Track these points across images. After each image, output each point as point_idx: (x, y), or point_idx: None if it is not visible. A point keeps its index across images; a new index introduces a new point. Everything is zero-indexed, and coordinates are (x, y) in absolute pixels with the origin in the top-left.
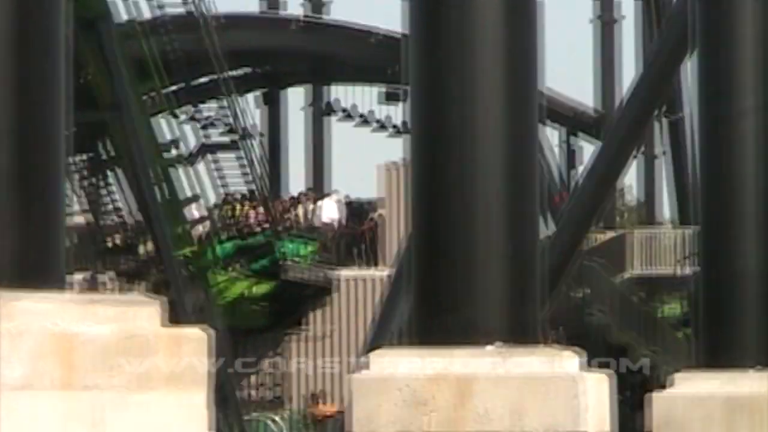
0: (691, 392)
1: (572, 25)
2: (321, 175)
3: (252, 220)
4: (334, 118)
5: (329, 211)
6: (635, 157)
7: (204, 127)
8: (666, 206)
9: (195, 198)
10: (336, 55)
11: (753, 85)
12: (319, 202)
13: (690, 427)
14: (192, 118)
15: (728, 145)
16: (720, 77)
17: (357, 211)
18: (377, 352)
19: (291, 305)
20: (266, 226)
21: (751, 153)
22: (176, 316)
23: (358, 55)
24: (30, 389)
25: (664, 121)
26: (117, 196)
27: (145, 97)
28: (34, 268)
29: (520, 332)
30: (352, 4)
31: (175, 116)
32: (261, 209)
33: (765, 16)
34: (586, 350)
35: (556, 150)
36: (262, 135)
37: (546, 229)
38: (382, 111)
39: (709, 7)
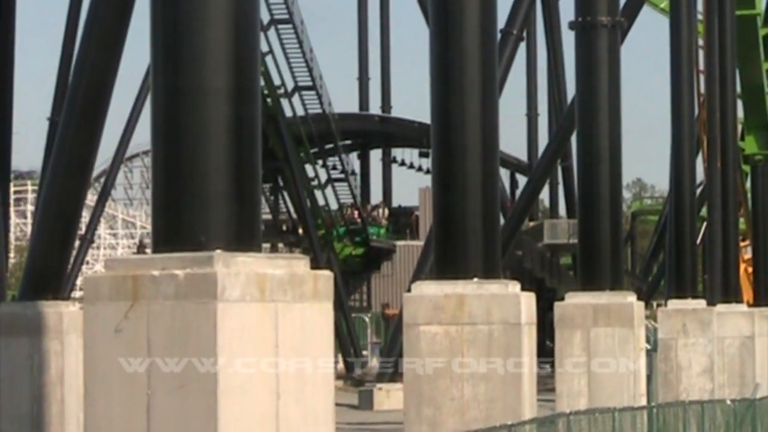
0: (575, 302)
1: (512, 118)
2: (389, 194)
3: (355, 217)
4: (395, 165)
5: (421, 214)
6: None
7: (329, 170)
8: (562, 208)
9: (324, 206)
10: (395, 134)
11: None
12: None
13: (574, 320)
14: (323, 165)
15: (593, 177)
16: (592, 148)
17: (405, 211)
18: (417, 282)
19: (374, 259)
20: (360, 220)
21: (605, 181)
22: (315, 266)
23: (406, 134)
24: (242, 302)
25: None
26: (285, 204)
27: (301, 154)
28: (245, 240)
29: (490, 272)
30: (406, 107)
31: (315, 164)
32: (358, 212)
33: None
34: (521, 282)
35: (507, 181)
36: (355, 174)
37: (503, 219)
38: (422, 162)
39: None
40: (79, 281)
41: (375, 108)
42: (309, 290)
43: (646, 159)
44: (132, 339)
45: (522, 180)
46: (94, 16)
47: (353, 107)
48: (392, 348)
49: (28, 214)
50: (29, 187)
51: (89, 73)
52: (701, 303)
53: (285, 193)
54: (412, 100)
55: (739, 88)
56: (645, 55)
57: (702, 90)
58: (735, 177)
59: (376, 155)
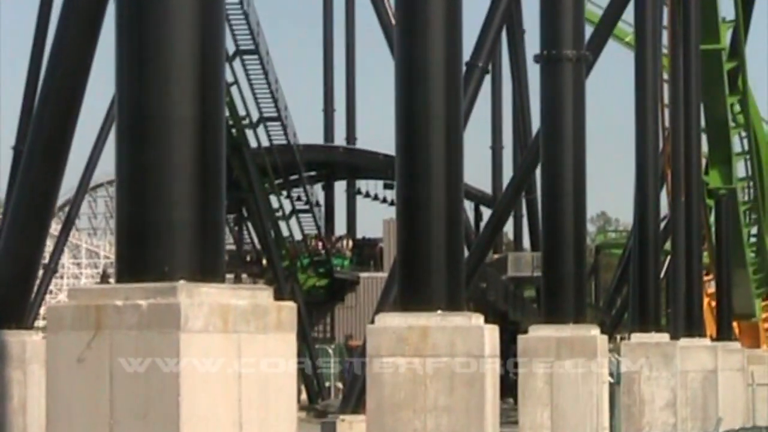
0: (538, 335)
1: (477, 150)
2: (354, 226)
3: (319, 248)
4: (359, 197)
5: (385, 245)
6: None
7: (293, 201)
8: (526, 241)
9: (288, 237)
10: (360, 165)
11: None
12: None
13: (537, 353)
14: (287, 196)
15: (557, 211)
16: (557, 182)
17: (370, 243)
18: (381, 314)
19: (338, 290)
20: (324, 251)
21: (569, 215)
22: (279, 296)
23: (371, 165)
24: (205, 332)
25: (525, 199)
26: (249, 235)
27: (265, 185)
28: (209, 270)
29: (454, 304)
30: (371, 139)
31: (279, 194)
32: (322, 243)
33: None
34: (485, 314)
35: (472, 214)
36: (319, 205)
37: (467, 251)
38: (386, 194)
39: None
40: (42, 310)
41: (340, 139)
42: (272, 321)
43: (610, 192)
44: (95, 368)
45: (486, 212)
46: (59, 45)
47: (318, 138)
48: (355, 379)
49: None
50: None
51: (54, 102)
52: (664, 337)
53: (249, 224)
54: (377, 131)
55: (703, 123)
56: (610, 89)
57: (666, 124)
58: (699, 211)
59: (340, 186)
